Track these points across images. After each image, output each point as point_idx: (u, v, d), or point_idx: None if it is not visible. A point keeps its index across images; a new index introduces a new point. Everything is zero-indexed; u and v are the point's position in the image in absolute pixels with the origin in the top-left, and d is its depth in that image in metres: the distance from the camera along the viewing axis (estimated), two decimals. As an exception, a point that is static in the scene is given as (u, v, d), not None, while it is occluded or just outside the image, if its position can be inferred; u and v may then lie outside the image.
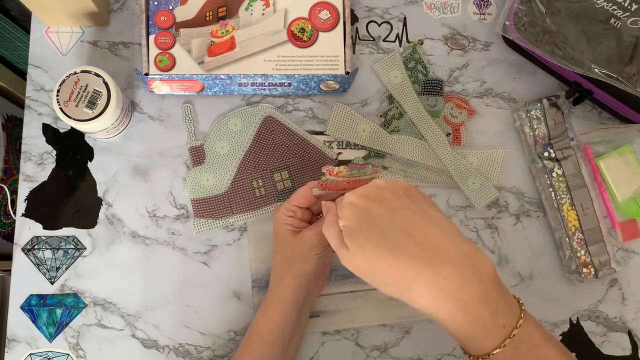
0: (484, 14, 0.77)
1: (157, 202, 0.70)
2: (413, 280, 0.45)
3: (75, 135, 0.71)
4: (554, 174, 0.71)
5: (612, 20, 0.66)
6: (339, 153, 0.73)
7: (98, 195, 0.70)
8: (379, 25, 0.76)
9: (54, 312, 0.67)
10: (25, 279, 0.68)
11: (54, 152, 0.70)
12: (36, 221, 0.69)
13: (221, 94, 0.72)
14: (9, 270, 0.72)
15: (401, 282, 0.46)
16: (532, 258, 0.72)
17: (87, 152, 0.71)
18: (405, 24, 0.76)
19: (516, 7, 0.69)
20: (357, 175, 0.57)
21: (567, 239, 0.70)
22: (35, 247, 0.68)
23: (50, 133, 0.71)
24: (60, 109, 0.63)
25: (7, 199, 0.96)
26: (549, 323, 0.70)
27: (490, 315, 0.46)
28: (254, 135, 0.71)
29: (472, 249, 0.47)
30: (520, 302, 0.48)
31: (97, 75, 0.64)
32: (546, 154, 0.71)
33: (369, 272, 0.48)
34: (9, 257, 0.83)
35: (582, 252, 0.69)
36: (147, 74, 0.67)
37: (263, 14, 0.69)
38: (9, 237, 0.97)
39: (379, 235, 0.47)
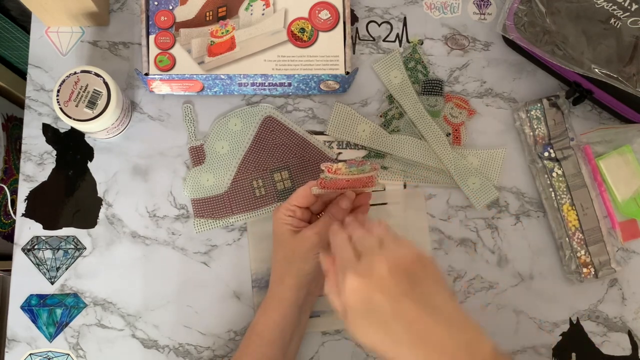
0: (484, 14, 0.77)
1: (157, 202, 0.70)
2: None
3: (75, 135, 0.71)
4: (554, 174, 0.71)
5: (612, 20, 0.66)
6: (339, 153, 0.73)
7: (98, 195, 0.70)
8: (379, 25, 0.76)
9: (54, 312, 0.67)
10: (25, 279, 0.68)
11: (54, 152, 0.70)
12: (36, 221, 0.69)
13: (221, 94, 0.72)
14: (9, 270, 0.72)
15: None
16: (532, 258, 0.72)
17: (87, 152, 0.71)
18: (405, 24, 0.76)
19: (516, 7, 0.68)
20: (355, 173, 0.57)
21: (567, 239, 0.70)
22: (35, 247, 0.68)
23: (50, 133, 0.71)
24: (60, 109, 0.63)
25: (7, 199, 0.96)
26: (549, 323, 0.70)
27: None
28: (254, 135, 0.71)
29: (471, 339, 0.47)
30: None
31: (97, 75, 0.64)
32: (546, 154, 0.71)
33: (368, 345, 0.49)
34: (9, 257, 0.83)
35: (582, 252, 0.69)
36: (147, 74, 0.67)
37: (263, 14, 0.69)
38: (9, 237, 0.97)
39: (381, 329, 0.47)
